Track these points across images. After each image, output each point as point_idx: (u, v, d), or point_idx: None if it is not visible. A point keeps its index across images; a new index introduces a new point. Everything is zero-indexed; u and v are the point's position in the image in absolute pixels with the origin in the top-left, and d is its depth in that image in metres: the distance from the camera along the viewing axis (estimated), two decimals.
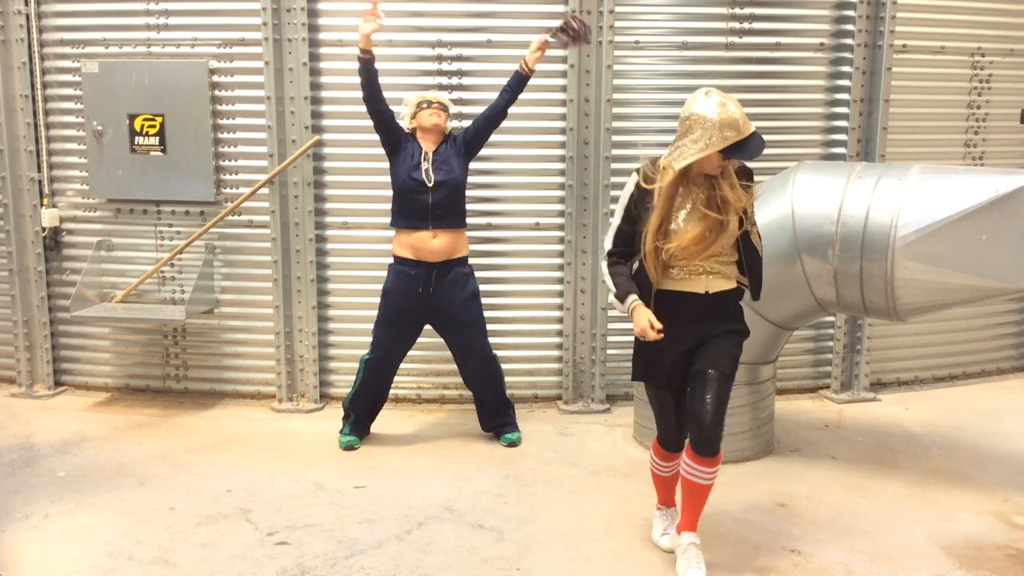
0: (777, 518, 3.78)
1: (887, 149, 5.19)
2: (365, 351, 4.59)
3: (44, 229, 5.30)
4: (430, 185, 4.34)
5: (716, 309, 3.28)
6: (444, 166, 4.39)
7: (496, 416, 4.71)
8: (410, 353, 4.70)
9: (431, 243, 4.38)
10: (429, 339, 4.79)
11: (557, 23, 4.53)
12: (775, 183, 4.23)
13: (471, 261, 4.59)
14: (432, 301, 4.44)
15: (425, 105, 4.44)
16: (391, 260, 4.50)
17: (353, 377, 4.67)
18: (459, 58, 5.04)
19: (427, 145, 4.44)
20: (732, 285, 3.31)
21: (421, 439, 4.77)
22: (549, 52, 4.86)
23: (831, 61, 5.23)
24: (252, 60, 5.03)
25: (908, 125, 5.38)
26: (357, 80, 4.69)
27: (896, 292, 3.82)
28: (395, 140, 4.44)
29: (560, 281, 5.20)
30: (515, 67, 4.49)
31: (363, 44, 4.31)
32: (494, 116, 4.52)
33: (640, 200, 3.24)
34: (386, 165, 4.52)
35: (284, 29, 4.96)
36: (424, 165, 4.37)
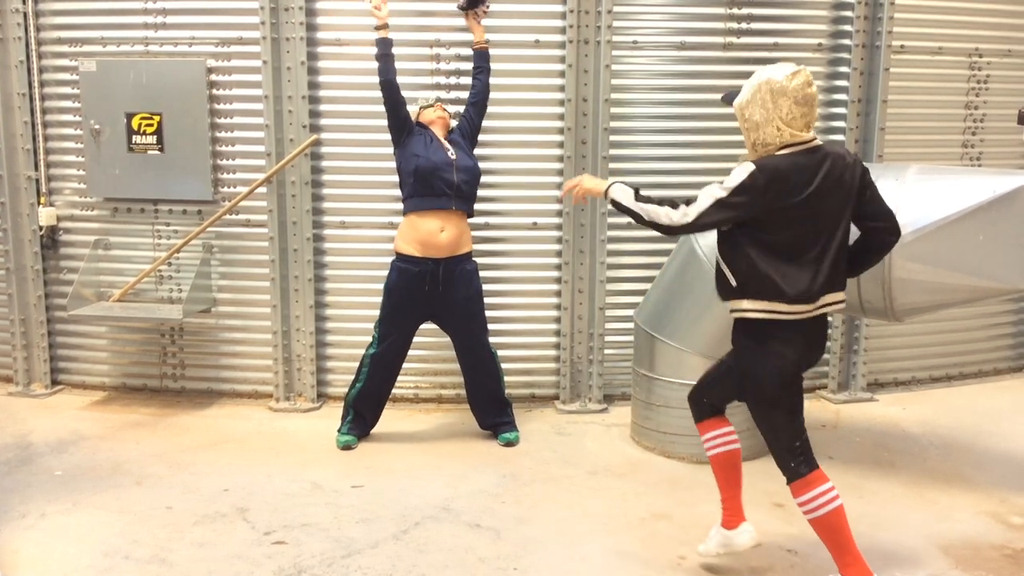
0: (774, 518, 3.78)
1: (885, 150, 5.19)
2: (364, 349, 4.59)
3: (41, 228, 5.29)
4: (455, 161, 4.38)
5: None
6: (462, 151, 4.48)
7: (494, 415, 4.71)
8: (408, 353, 4.69)
9: (438, 237, 4.36)
10: (426, 338, 4.79)
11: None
12: None
13: None
14: (437, 298, 4.43)
15: (427, 104, 4.56)
16: (391, 257, 4.49)
17: (351, 376, 4.66)
18: (457, 57, 5.03)
19: (439, 134, 4.51)
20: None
21: (418, 439, 4.76)
22: (547, 52, 4.87)
23: (829, 62, 5.23)
24: (250, 59, 5.02)
25: (906, 126, 5.38)
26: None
27: (893, 292, 3.81)
28: (407, 124, 4.46)
29: (558, 281, 5.19)
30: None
31: (381, 23, 4.37)
32: (482, 99, 4.60)
33: None
34: (384, 164, 4.51)
35: (282, 28, 4.95)
36: (447, 147, 4.43)
